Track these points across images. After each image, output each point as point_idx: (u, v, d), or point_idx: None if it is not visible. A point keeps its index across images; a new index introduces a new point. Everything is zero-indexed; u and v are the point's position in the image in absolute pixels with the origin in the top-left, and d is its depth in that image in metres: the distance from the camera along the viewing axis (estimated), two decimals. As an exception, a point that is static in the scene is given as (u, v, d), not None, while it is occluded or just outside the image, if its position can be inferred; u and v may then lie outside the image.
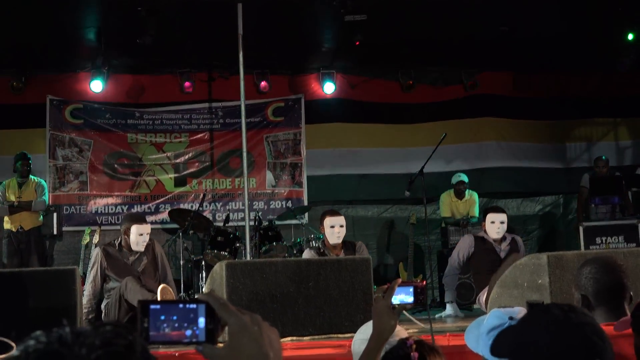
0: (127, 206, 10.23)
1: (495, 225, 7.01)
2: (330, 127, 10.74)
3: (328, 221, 6.85)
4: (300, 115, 10.68)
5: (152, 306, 1.34)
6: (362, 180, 10.64)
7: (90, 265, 6.71)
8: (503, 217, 7.08)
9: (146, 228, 6.61)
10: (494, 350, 2.06)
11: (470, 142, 10.98)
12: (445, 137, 9.09)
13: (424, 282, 2.49)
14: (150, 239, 6.77)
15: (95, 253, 6.73)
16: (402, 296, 2.37)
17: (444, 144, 9.28)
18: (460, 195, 9.82)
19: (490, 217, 7.08)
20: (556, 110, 11.16)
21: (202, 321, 1.34)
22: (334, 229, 6.82)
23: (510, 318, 2.29)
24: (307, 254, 6.80)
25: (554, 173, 11.04)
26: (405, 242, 9.87)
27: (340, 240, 6.87)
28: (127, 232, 6.57)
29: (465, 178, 9.84)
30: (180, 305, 1.34)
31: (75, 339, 1.02)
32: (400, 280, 2.57)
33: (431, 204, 10.24)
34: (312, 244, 8.12)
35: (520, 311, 2.35)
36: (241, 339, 1.32)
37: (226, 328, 1.36)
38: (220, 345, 1.35)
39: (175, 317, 1.34)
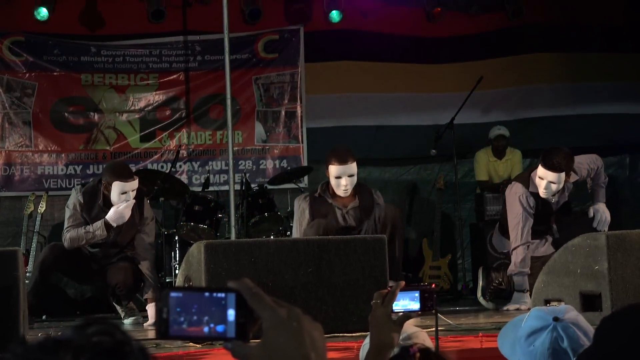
0: (80, 166, 9.30)
1: (543, 182, 6.34)
2: (337, 66, 9.74)
3: (333, 170, 6.12)
4: (298, 50, 9.66)
5: (173, 293, 1.28)
6: (376, 134, 9.72)
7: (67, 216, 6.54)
8: (554, 176, 6.25)
9: (131, 185, 6.46)
10: None
11: (514, 86, 9.90)
12: (481, 80, 8.75)
13: (433, 285, 2.38)
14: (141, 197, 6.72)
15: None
16: (406, 302, 2.29)
17: (480, 89, 8.96)
18: (499, 153, 9.04)
19: (540, 171, 6.33)
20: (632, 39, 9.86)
21: (231, 314, 1.30)
22: (341, 180, 6.08)
23: (555, 319, 2.29)
24: (299, 206, 6.21)
25: (625, 122, 9.92)
26: (431, 212, 9.19)
27: (348, 194, 6.22)
28: (107, 188, 6.44)
29: (506, 132, 8.95)
30: (207, 294, 1.29)
31: (57, 345, 1.05)
32: (403, 283, 2.44)
33: (463, 162, 9.46)
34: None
35: (567, 310, 2.35)
36: (277, 336, 1.28)
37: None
38: (253, 342, 1.29)
39: (199, 308, 1.28)
